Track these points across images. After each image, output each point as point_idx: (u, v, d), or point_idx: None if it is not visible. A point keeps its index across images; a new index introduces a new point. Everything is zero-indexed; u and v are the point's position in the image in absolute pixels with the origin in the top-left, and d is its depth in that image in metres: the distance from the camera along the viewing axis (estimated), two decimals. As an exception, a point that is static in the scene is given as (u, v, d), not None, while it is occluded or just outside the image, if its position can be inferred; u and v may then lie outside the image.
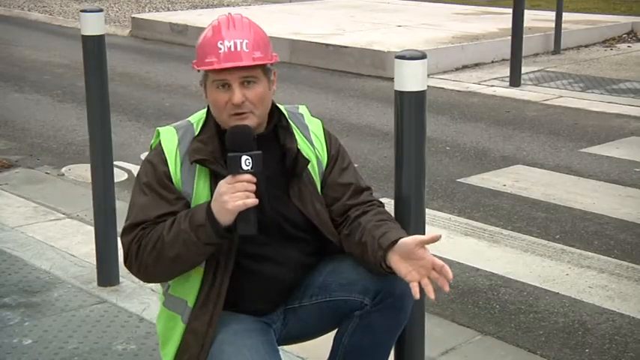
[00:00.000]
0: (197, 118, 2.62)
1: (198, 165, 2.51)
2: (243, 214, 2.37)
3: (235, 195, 2.35)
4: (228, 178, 2.38)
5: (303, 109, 2.73)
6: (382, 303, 2.55)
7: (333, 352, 2.70)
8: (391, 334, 2.65)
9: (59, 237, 4.68)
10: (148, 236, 2.47)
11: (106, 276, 4.04)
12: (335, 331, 2.71)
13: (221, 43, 2.45)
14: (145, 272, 2.52)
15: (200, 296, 2.53)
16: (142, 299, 3.89)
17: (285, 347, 2.92)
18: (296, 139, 2.60)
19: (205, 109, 2.61)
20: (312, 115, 2.74)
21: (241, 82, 2.46)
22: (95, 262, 4.09)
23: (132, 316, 3.73)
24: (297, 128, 2.64)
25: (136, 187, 2.57)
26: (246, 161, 2.36)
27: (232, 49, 2.44)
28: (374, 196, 2.72)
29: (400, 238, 2.45)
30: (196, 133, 2.56)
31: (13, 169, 6.07)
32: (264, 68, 2.51)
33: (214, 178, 2.50)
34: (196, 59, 2.52)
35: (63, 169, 6.15)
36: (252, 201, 2.36)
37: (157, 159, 2.54)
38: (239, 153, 2.37)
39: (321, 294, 2.63)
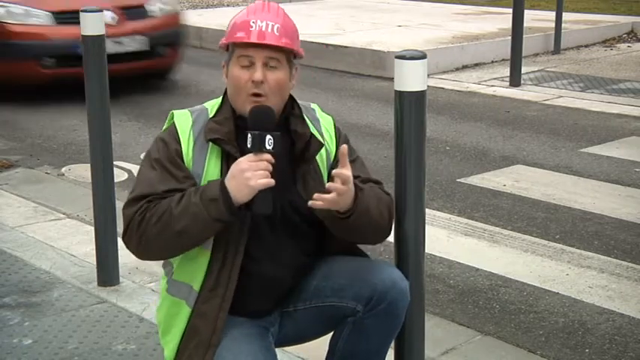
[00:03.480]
0: (211, 103, 2.66)
1: (210, 145, 2.53)
2: (261, 193, 2.40)
3: (258, 173, 2.38)
4: (251, 155, 2.41)
5: (315, 106, 2.77)
6: (375, 309, 2.56)
7: (329, 356, 2.70)
8: (386, 338, 2.65)
9: (59, 237, 4.68)
10: (153, 209, 2.46)
11: (106, 276, 4.04)
12: (331, 335, 2.71)
13: (253, 22, 2.52)
14: (145, 246, 2.49)
15: (208, 280, 2.52)
16: (142, 299, 3.89)
17: (284, 347, 2.92)
18: (308, 125, 2.63)
19: (221, 97, 2.65)
20: (323, 111, 2.77)
21: (265, 63, 2.51)
22: (95, 262, 4.09)
23: (132, 316, 3.73)
24: (309, 119, 2.67)
25: (145, 162, 2.57)
26: (269, 141, 2.41)
27: (263, 29, 2.51)
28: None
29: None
30: (211, 115, 2.59)
31: (13, 169, 6.07)
32: (288, 57, 2.58)
33: (226, 159, 2.52)
34: (226, 36, 2.58)
35: (63, 169, 6.15)
36: (272, 181, 2.40)
37: (169, 137, 2.56)
38: (263, 132, 2.40)
39: (315, 299, 2.64)
